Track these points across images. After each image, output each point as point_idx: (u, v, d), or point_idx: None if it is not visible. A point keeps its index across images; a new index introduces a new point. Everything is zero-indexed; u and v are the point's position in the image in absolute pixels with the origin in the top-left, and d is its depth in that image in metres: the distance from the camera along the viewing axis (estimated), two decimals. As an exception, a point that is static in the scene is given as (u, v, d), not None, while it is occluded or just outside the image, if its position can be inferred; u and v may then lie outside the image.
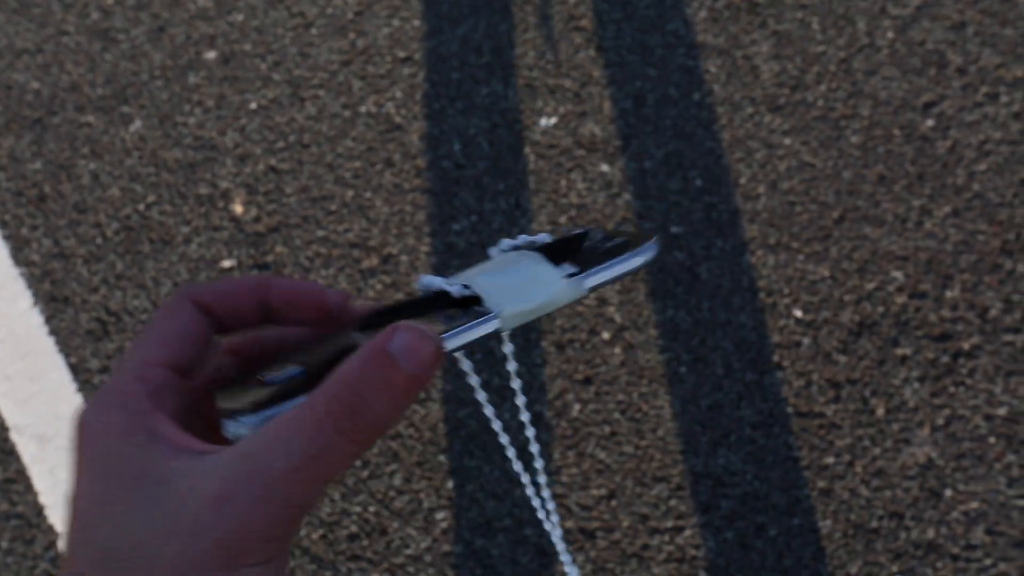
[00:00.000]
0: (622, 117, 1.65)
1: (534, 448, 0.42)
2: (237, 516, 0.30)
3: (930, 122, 1.59)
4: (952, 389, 1.39)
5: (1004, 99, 1.59)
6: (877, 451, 1.36)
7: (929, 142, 1.57)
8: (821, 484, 1.35)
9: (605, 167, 1.61)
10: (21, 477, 1.44)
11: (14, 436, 1.47)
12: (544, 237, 0.42)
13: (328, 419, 0.31)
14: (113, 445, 0.32)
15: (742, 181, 1.57)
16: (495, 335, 0.36)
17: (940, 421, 1.37)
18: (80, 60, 1.84)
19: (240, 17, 1.85)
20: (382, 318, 0.38)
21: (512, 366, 0.39)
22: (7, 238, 1.65)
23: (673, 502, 1.35)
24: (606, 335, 1.47)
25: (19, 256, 1.63)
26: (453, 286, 0.37)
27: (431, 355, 0.31)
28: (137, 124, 1.75)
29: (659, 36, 1.72)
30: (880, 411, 1.39)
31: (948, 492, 1.33)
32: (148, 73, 1.81)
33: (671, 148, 1.61)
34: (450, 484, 1.40)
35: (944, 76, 1.62)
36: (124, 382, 0.33)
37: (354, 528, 1.40)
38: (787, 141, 1.60)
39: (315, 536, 1.40)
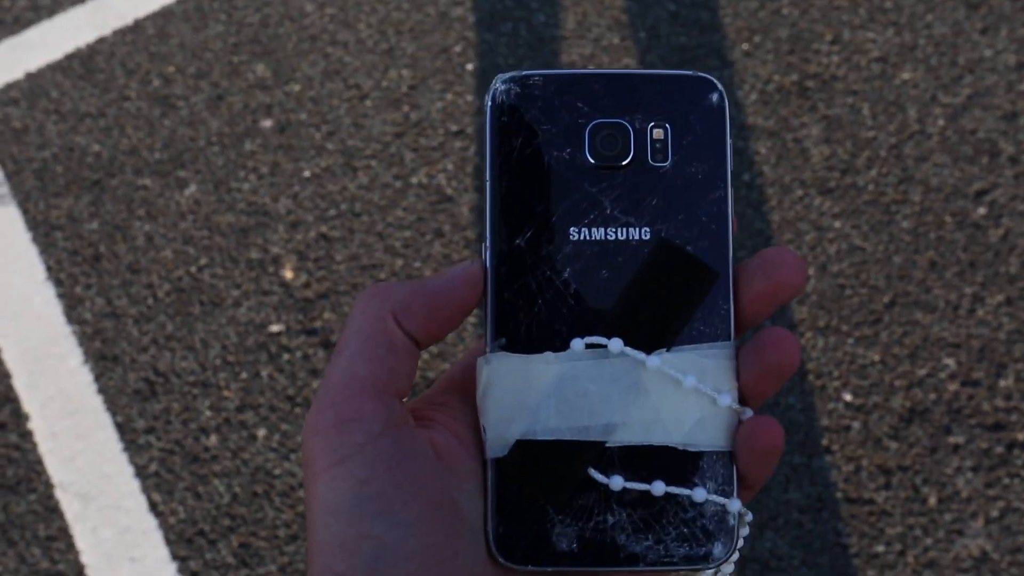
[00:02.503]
0: (672, 196, 1.67)
1: None
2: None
3: (982, 210, 1.58)
4: (1007, 480, 1.36)
5: (1057, 189, 1.59)
6: (929, 541, 1.34)
7: (981, 230, 1.57)
8: (871, 573, 1.32)
9: (654, 244, 1.62)
10: (63, 535, 1.44)
11: (58, 493, 1.47)
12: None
13: None
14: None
15: (791, 263, 1.57)
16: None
17: (995, 513, 1.34)
18: (140, 125, 1.88)
19: (297, 88, 1.89)
20: None
21: None
22: (61, 296, 1.68)
23: (718, 586, 1.33)
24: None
25: (72, 314, 1.65)
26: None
27: None
28: (192, 188, 1.78)
29: (709, 117, 1.74)
30: (932, 500, 1.36)
31: (1002, 586, 1.30)
32: (205, 139, 1.84)
33: (720, 228, 1.62)
34: None
35: (996, 165, 1.62)
36: (320, 409, 0.36)
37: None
38: (837, 224, 1.60)
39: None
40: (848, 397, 1.45)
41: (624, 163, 0.38)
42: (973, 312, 1.50)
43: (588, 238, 0.38)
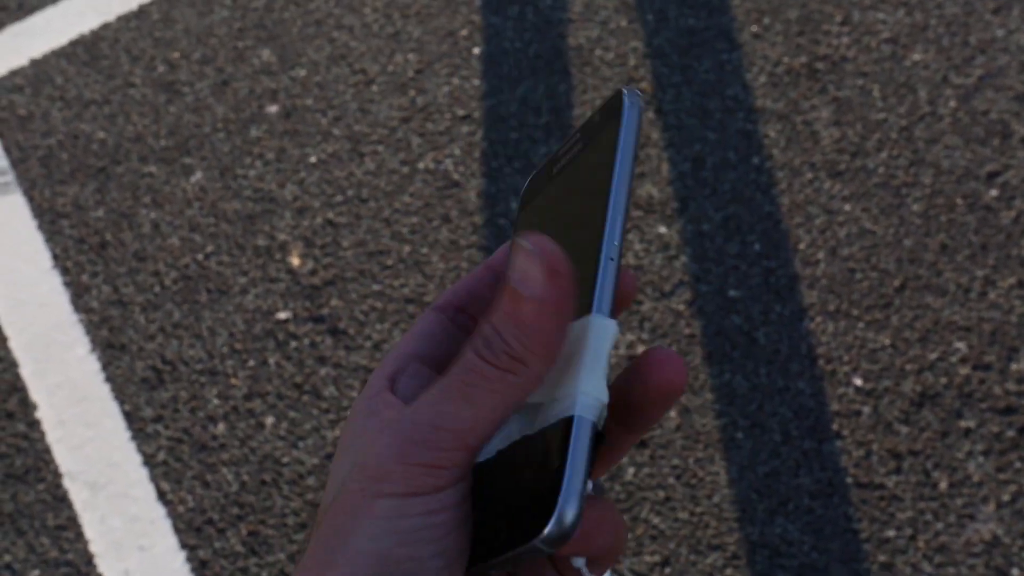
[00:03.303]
0: (680, 179, 1.65)
1: None
2: (377, 444, 0.33)
3: (994, 192, 1.57)
4: (1018, 465, 1.35)
5: (1070, 170, 1.58)
6: (940, 526, 1.33)
7: (993, 212, 1.55)
8: (882, 558, 1.32)
9: (663, 229, 1.60)
10: (72, 524, 1.44)
11: (66, 483, 1.47)
12: None
13: (472, 353, 0.33)
14: (347, 426, 0.36)
15: (801, 247, 1.56)
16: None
17: (1006, 497, 1.33)
18: (145, 111, 1.87)
19: (303, 73, 1.88)
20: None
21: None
22: (68, 284, 1.67)
23: (728, 571, 1.32)
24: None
25: (78, 303, 1.65)
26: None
27: (542, 272, 0.33)
28: (198, 175, 1.78)
29: (718, 100, 1.73)
30: (943, 485, 1.35)
31: (1015, 572, 1.29)
32: (211, 126, 1.84)
33: (730, 212, 1.61)
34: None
35: (1008, 146, 1.61)
36: (373, 376, 0.37)
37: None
38: (847, 207, 1.58)
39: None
40: (858, 382, 1.44)
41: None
42: (984, 295, 1.48)
43: None
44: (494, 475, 0.34)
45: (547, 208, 0.42)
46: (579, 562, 0.35)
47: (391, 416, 0.34)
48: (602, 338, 0.34)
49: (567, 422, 0.33)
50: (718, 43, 1.80)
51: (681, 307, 1.53)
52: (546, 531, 0.32)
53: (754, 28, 1.80)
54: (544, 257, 0.33)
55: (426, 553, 0.32)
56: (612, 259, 0.35)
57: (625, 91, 0.39)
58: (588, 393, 0.33)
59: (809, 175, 1.63)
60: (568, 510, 0.32)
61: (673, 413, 1.44)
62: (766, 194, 1.62)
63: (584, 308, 0.35)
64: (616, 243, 0.36)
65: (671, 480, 1.40)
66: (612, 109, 0.39)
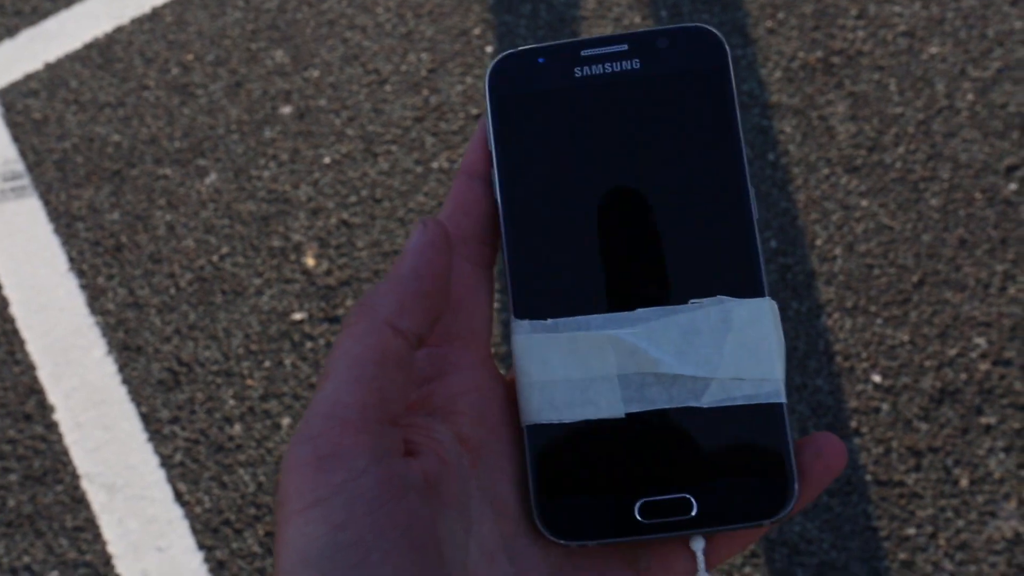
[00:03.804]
0: (695, 176, 1.64)
1: None
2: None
3: (1013, 186, 1.55)
4: (1040, 461, 1.34)
5: (1090, 163, 1.56)
6: (961, 523, 1.32)
7: (1012, 206, 1.54)
8: (902, 556, 1.30)
9: (678, 226, 1.60)
10: (90, 526, 1.44)
11: (84, 484, 1.48)
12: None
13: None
14: None
15: (818, 243, 1.55)
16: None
17: (1028, 494, 1.32)
18: (159, 114, 1.88)
19: (316, 73, 1.88)
20: None
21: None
22: (84, 287, 1.68)
23: (747, 570, 1.31)
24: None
25: (95, 305, 1.65)
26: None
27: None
28: (212, 177, 1.78)
29: (733, 96, 1.72)
30: (964, 482, 1.34)
31: (1037, 569, 1.28)
32: (224, 127, 1.84)
33: (745, 208, 1.60)
34: None
35: (1027, 139, 1.59)
36: (298, 444, 0.32)
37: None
38: (864, 203, 1.57)
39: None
40: (877, 378, 1.43)
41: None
42: (1004, 290, 1.47)
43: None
44: (635, 435, 0.34)
45: (571, 119, 0.37)
46: (699, 544, 0.35)
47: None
48: (778, 322, 0.35)
49: (776, 408, 0.34)
50: (732, 38, 1.79)
51: (697, 304, 1.52)
52: (782, 513, 0.33)
53: (768, 23, 1.79)
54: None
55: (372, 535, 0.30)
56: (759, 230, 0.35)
57: (719, 35, 0.37)
58: (784, 381, 0.34)
59: (825, 170, 1.61)
60: (796, 496, 0.33)
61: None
62: (782, 190, 1.61)
63: (729, 280, 0.35)
64: (757, 211, 0.36)
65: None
66: (698, 46, 0.36)
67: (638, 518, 0.34)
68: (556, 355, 0.34)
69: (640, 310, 0.35)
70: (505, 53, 0.37)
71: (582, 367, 0.34)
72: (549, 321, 0.35)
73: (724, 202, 0.35)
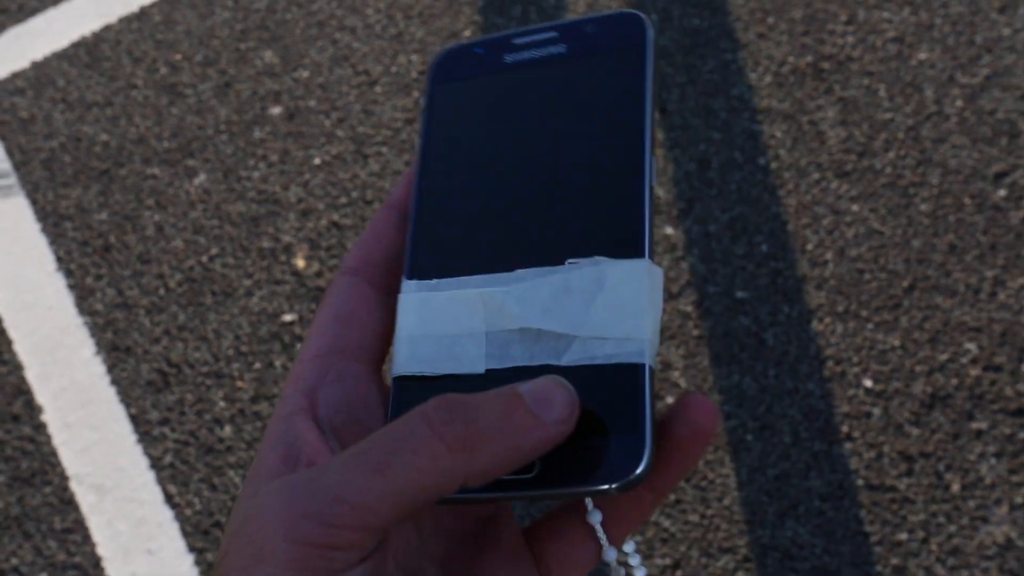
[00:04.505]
0: (686, 180, 1.65)
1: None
2: (265, 510, 0.27)
3: (1002, 192, 1.57)
4: (1030, 466, 1.35)
5: (1077, 170, 1.57)
6: (953, 528, 1.32)
7: (1001, 212, 1.55)
8: (894, 561, 1.31)
9: (669, 230, 1.60)
10: (79, 527, 1.43)
11: (73, 485, 1.47)
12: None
13: (416, 414, 0.28)
14: (254, 465, 0.31)
15: (809, 247, 1.55)
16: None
17: (1019, 499, 1.33)
18: (147, 113, 1.86)
19: (306, 74, 1.87)
20: None
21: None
22: (72, 287, 1.66)
23: (740, 574, 1.32)
24: (670, 400, 1.45)
25: (83, 305, 1.64)
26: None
27: (566, 409, 0.30)
28: (202, 177, 1.77)
29: (723, 100, 1.72)
30: (955, 487, 1.35)
31: (1027, 573, 1.29)
32: (213, 127, 1.83)
33: (736, 212, 1.60)
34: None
35: (1016, 146, 1.60)
36: (286, 390, 0.32)
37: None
38: (855, 208, 1.58)
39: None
40: (868, 383, 1.43)
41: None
42: (994, 296, 1.48)
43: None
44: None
45: (490, 100, 0.38)
46: (596, 517, 0.34)
47: (289, 476, 0.28)
48: (657, 285, 0.34)
49: (636, 368, 0.33)
50: (722, 43, 1.79)
51: (689, 308, 1.52)
52: (631, 476, 0.31)
53: (758, 28, 1.80)
54: (571, 396, 0.31)
55: None
56: (651, 198, 0.35)
57: (644, 17, 0.38)
58: (654, 343, 0.33)
59: (816, 175, 1.62)
60: (648, 460, 0.31)
61: (682, 415, 1.43)
62: (772, 195, 1.61)
63: (610, 243, 0.34)
64: (654, 180, 0.36)
65: (680, 483, 1.39)
66: (621, 28, 0.37)
67: None
68: (430, 312, 0.35)
69: (519, 271, 0.35)
70: (446, 47, 0.38)
71: (452, 323, 0.34)
72: (433, 281, 0.35)
73: (618, 169, 0.35)
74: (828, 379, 1.44)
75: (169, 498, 1.45)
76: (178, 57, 1.94)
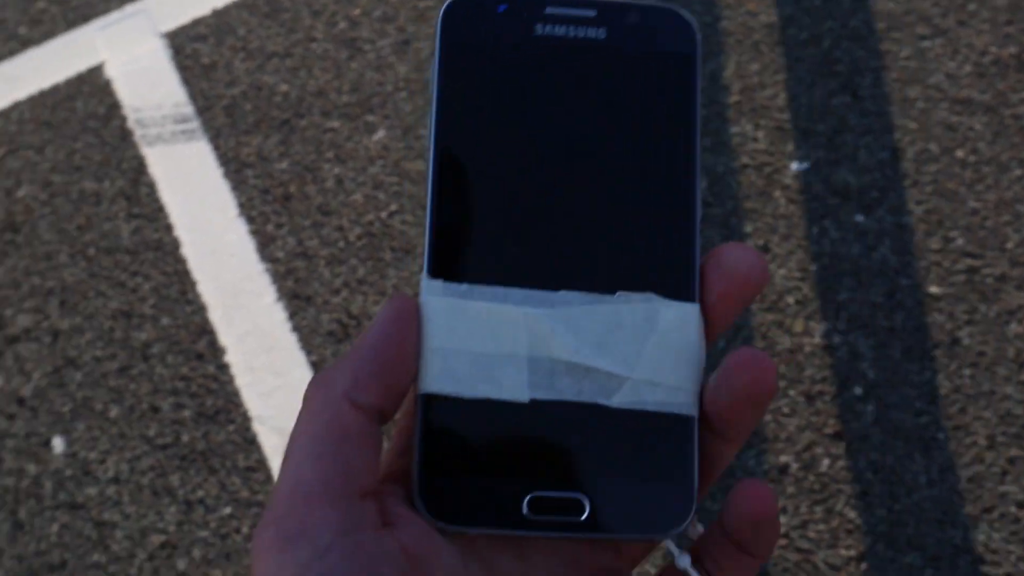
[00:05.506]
0: (879, 168, 1.60)
1: None
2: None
3: None
4: None
5: None
6: None
7: None
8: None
9: (860, 217, 1.56)
10: (262, 467, 1.46)
11: (256, 426, 1.49)
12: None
13: None
14: None
15: (1009, 246, 1.50)
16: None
17: None
18: (327, 67, 1.88)
19: (487, 37, 1.86)
20: None
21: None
22: (253, 233, 1.69)
23: (928, 572, 1.29)
24: (858, 390, 1.42)
25: (264, 252, 1.67)
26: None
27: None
28: (381, 133, 1.78)
29: (920, 88, 1.67)
30: None
31: None
32: (392, 84, 1.84)
33: (931, 205, 1.55)
34: None
35: None
36: (263, 527, 0.30)
37: None
38: (1059, 208, 1.52)
39: None
40: (1069, 390, 1.38)
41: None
42: None
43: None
44: (535, 425, 0.32)
45: (520, 78, 0.34)
46: (684, 561, 0.33)
47: None
48: (702, 332, 0.32)
49: (686, 421, 0.32)
50: (919, 28, 1.74)
51: (880, 299, 1.49)
52: (677, 528, 0.31)
53: (958, 15, 1.74)
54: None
55: None
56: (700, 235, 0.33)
57: (693, 22, 0.34)
58: (699, 394, 0.32)
59: (1018, 171, 1.56)
60: (692, 514, 0.32)
61: (870, 406, 1.40)
62: (971, 189, 1.56)
63: (662, 280, 0.32)
64: (702, 211, 0.35)
65: (868, 475, 1.36)
66: (668, 28, 0.34)
67: (525, 512, 0.32)
68: (466, 324, 0.32)
69: (564, 292, 0.32)
70: None
71: (491, 342, 0.32)
72: (464, 286, 0.33)
73: (669, 197, 0.33)
74: (1027, 383, 1.39)
75: (346, 447, 1.47)
76: (357, 12, 1.95)
